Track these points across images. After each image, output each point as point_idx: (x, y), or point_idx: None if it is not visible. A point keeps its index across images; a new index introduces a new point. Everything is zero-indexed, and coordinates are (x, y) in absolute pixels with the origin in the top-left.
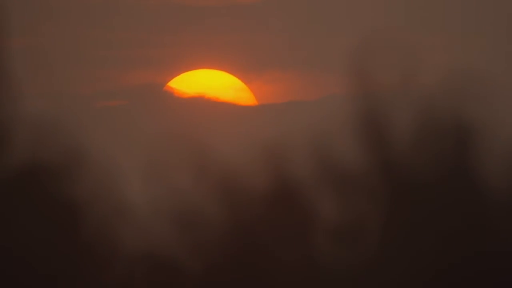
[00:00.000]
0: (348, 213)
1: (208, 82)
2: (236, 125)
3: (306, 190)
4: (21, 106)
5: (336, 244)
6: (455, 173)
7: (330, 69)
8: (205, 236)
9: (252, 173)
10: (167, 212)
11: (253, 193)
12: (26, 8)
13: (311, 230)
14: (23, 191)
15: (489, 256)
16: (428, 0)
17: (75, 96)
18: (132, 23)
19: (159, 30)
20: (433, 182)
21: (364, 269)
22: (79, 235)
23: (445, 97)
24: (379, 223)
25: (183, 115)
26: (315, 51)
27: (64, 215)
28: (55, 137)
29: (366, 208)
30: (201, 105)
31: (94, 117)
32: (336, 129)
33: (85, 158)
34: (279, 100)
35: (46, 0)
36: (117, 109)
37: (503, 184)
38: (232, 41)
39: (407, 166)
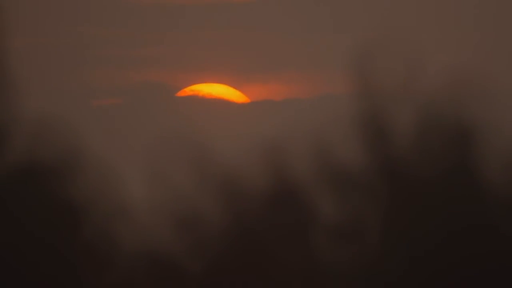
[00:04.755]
0: (348, 212)
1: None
2: (233, 123)
3: (306, 188)
4: (21, 105)
5: (336, 243)
6: (456, 171)
7: (328, 68)
8: (205, 235)
9: (251, 170)
10: (167, 210)
11: (252, 190)
12: (26, 8)
13: (311, 229)
14: (22, 190)
15: (490, 254)
16: (429, 1)
17: (74, 95)
18: (130, 23)
19: (158, 29)
20: (434, 180)
21: (365, 268)
22: (79, 234)
23: (447, 96)
24: (379, 222)
25: (180, 113)
26: (312, 50)
27: (63, 214)
28: (54, 135)
29: (366, 207)
30: (197, 103)
31: (92, 116)
32: (334, 127)
33: (84, 156)
34: (275, 98)
35: (46, 0)
36: (116, 108)
37: (504, 183)
38: (228, 40)
39: (407, 164)
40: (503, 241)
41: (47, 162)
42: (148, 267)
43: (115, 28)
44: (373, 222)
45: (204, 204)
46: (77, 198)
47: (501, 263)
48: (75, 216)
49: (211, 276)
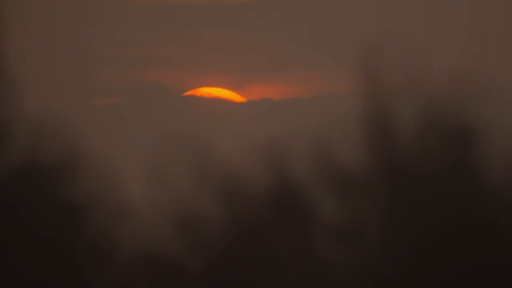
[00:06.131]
0: (348, 211)
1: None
2: (233, 122)
3: (306, 187)
4: (23, 104)
5: (336, 242)
6: (458, 170)
7: (327, 68)
8: (204, 234)
9: (251, 169)
10: (167, 210)
11: (252, 189)
12: (28, 8)
13: (311, 228)
14: (23, 189)
15: (490, 254)
16: (432, 1)
17: (75, 94)
18: (130, 23)
19: (158, 29)
20: (436, 179)
21: (365, 267)
22: (79, 233)
23: (449, 95)
24: (380, 221)
25: (180, 112)
26: (311, 50)
27: (64, 213)
28: (56, 135)
29: (367, 205)
30: (197, 103)
31: (92, 115)
32: (334, 126)
33: (85, 155)
34: (274, 97)
35: (49, 1)
36: (115, 107)
37: (505, 181)
38: (228, 40)
39: (409, 163)
40: (503, 238)
41: (48, 161)
42: (148, 266)
43: (115, 28)
44: (374, 221)
45: (204, 203)
46: (78, 197)
47: (500, 259)
48: (75, 216)
49: (211, 275)
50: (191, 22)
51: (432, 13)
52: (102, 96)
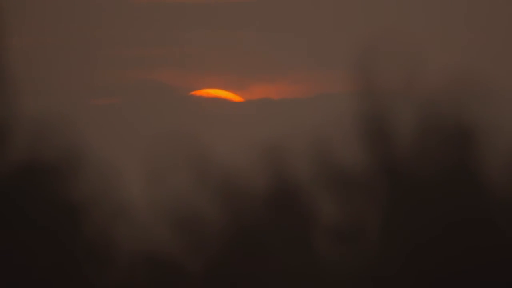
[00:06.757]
0: (347, 211)
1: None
2: (232, 122)
3: (305, 187)
4: (23, 104)
5: (336, 242)
6: (456, 170)
7: (326, 68)
8: (204, 234)
9: (250, 169)
10: (166, 209)
11: (251, 189)
12: (28, 8)
13: (310, 228)
14: (22, 189)
15: (489, 254)
16: (430, 0)
17: (75, 94)
18: (129, 22)
19: (158, 29)
20: (434, 179)
21: (365, 268)
22: (79, 233)
23: (447, 95)
24: (379, 222)
25: (180, 112)
26: (311, 50)
27: (63, 213)
28: (54, 135)
29: (366, 206)
30: (196, 103)
31: (92, 115)
32: (333, 126)
33: (85, 155)
34: (273, 97)
35: (48, 1)
36: (114, 107)
37: (504, 181)
38: (228, 40)
39: (407, 163)
40: (502, 238)
41: (48, 160)
42: (147, 265)
43: (115, 28)
44: (373, 221)
45: (203, 203)
46: (77, 197)
47: (500, 259)
48: (75, 215)
49: (210, 275)
50: (191, 22)
51: (431, 12)
52: (102, 96)
